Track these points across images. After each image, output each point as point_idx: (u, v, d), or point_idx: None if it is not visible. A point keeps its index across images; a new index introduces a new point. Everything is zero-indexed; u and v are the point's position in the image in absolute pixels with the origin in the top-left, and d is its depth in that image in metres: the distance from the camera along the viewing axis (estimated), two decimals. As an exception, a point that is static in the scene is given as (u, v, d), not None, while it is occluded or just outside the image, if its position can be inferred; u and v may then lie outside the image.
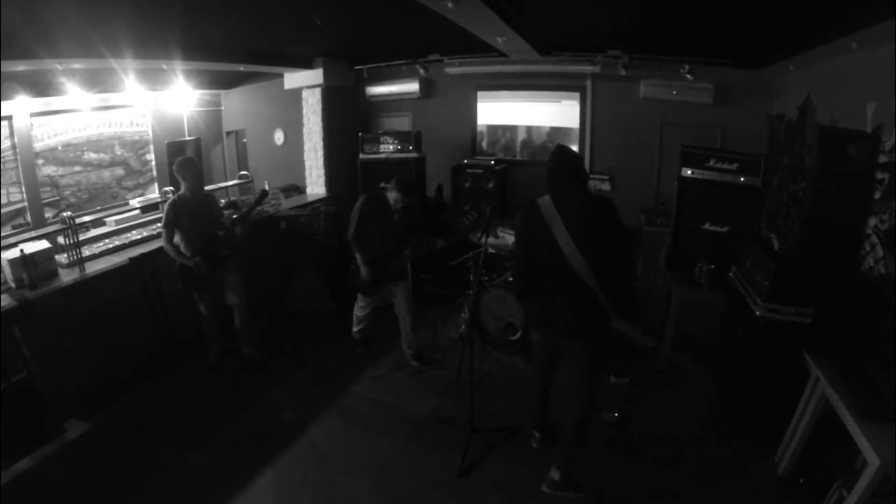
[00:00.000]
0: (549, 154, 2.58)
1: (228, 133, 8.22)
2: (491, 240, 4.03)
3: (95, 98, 6.04)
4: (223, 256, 3.76)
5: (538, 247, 2.46)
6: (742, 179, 3.79)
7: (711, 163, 3.88)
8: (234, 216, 3.95)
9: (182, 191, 3.61)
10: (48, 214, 5.99)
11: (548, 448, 2.91)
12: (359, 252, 3.67)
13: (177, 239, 3.61)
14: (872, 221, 2.92)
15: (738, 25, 3.70)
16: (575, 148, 6.07)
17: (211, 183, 6.00)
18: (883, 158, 2.86)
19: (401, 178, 3.69)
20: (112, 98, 6.41)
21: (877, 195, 2.90)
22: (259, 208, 4.28)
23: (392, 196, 3.62)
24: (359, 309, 4.02)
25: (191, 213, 3.56)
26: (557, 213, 2.37)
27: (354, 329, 4.09)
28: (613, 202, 2.42)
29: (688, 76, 5.00)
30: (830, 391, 2.34)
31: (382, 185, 5.63)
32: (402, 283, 3.84)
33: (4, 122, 5.49)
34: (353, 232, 3.65)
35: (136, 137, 7.05)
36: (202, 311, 3.83)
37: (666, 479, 2.78)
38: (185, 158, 3.71)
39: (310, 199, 6.12)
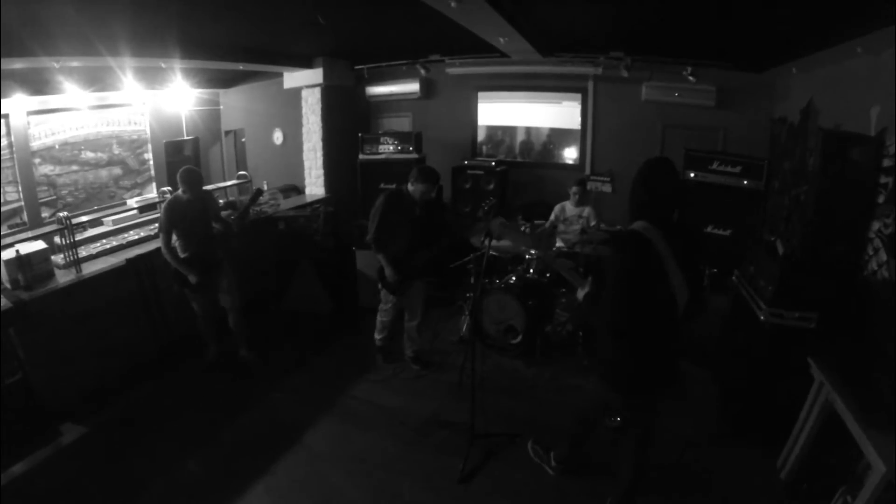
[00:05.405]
0: (647, 164, 2.10)
1: (227, 132, 8.18)
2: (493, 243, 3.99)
3: (93, 96, 5.97)
4: (218, 258, 3.74)
5: (649, 291, 2.02)
6: (745, 182, 3.79)
7: (715, 166, 3.89)
8: (231, 217, 3.91)
9: (178, 192, 3.57)
10: (45, 214, 5.93)
11: (563, 476, 2.81)
12: (382, 253, 3.50)
13: (174, 240, 3.55)
14: (875, 225, 2.90)
15: (742, 28, 3.68)
16: (575, 149, 6.07)
17: (209, 183, 5.95)
18: (887, 162, 2.85)
19: (423, 168, 3.50)
20: (110, 96, 6.35)
21: (880, 199, 2.89)
22: (256, 208, 4.23)
23: (419, 188, 3.43)
24: (382, 314, 3.85)
25: (187, 214, 3.53)
26: (671, 250, 1.97)
27: (377, 336, 3.96)
28: None
29: (690, 78, 4.99)
30: (835, 397, 2.32)
31: (382, 185, 5.63)
32: (420, 281, 3.71)
33: (1, 121, 5.43)
34: (375, 233, 3.46)
35: (134, 136, 6.99)
36: (196, 312, 3.80)
37: (668, 484, 2.76)
38: (187, 168, 3.61)
39: (309, 199, 6.09)
